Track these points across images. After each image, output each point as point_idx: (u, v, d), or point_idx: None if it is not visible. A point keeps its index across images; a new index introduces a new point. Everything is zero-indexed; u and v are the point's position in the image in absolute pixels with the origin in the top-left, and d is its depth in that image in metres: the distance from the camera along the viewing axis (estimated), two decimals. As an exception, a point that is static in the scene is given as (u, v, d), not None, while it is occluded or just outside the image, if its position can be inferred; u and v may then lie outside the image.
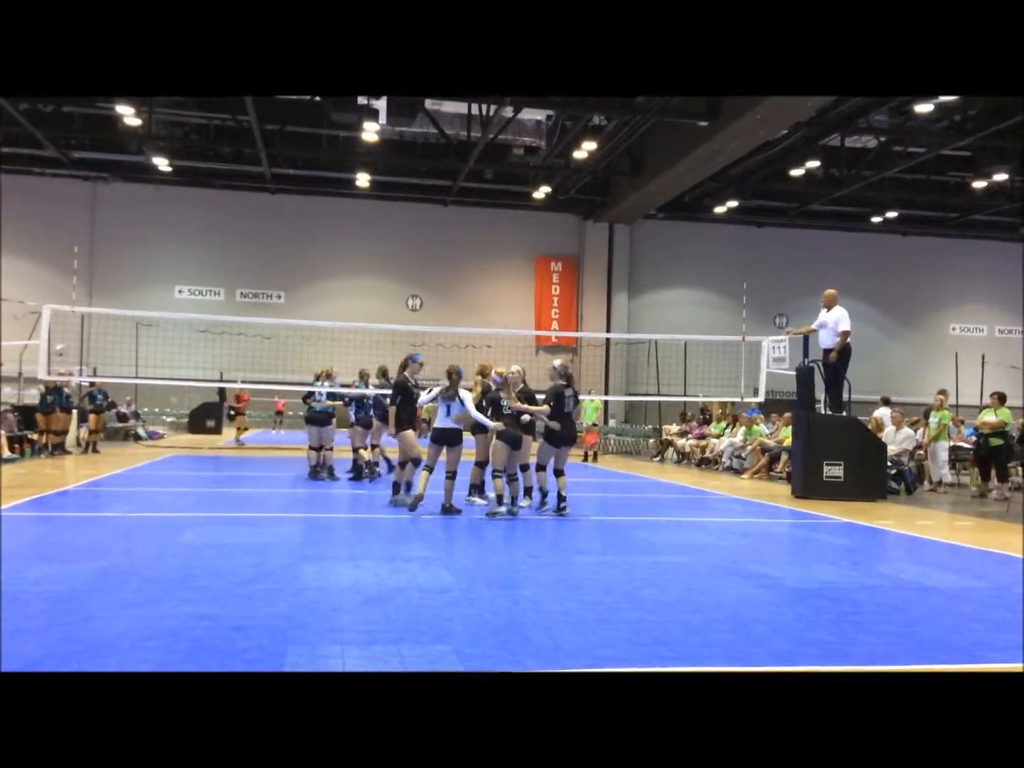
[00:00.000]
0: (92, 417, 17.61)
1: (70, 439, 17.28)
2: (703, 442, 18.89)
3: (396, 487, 9.78)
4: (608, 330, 32.55)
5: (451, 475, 8.97)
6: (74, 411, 17.54)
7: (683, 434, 20.32)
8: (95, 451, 17.53)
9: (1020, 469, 12.46)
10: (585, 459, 19.68)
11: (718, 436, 18.45)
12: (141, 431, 23.05)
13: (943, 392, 14.55)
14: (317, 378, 13.13)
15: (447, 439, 9.00)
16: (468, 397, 9.05)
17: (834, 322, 12.21)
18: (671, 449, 20.35)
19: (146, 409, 27.15)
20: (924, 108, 22.31)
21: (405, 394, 9.78)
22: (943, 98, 21.28)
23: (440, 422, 9.05)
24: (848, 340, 12.12)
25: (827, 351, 12.34)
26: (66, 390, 16.70)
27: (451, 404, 8.96)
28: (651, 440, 23.55)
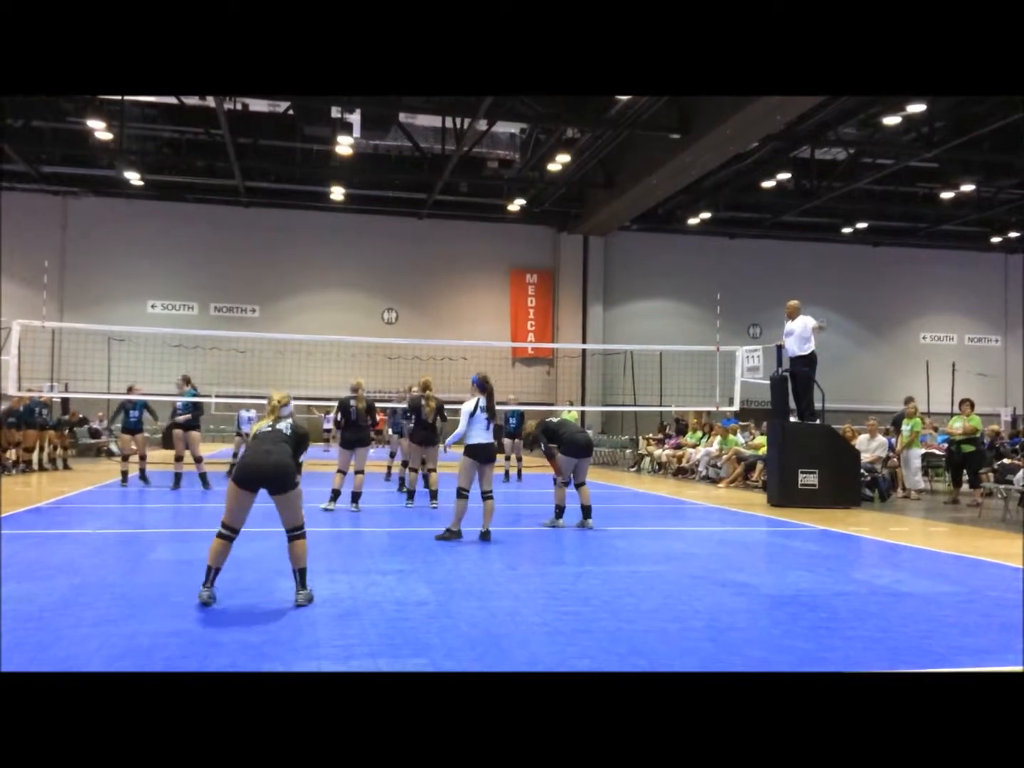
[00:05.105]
0: (51, 434, 17.28)
1: (39, 456, 17.02)
2: (679, 452, 18.97)
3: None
4: (584, 341, 32.64)
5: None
6: (51, 430, 17.29)
7: (659, 443, 20.41)
8: (66, 467, 17.29)
9: (991, 475, 12.62)
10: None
11: (694, 446, 18.54)
12: (113, 447, 22.73)
13: (911, 399, 14.78)
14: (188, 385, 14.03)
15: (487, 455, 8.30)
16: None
17: (801, 328, 12.40)
18: (648, 459, 20.40)
19: (119, 425, 26.77)
20: (891, 120, 22.63)
21: (419, 412, 10.63)
22: (910, 110, 21.60)
23: (481, 437, 8.20)
24: (815, 349, 12.35)
25: (795, 359, 12.50)
26: (38, 407, 16.46)
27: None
28: (628, 451, 23.60)
